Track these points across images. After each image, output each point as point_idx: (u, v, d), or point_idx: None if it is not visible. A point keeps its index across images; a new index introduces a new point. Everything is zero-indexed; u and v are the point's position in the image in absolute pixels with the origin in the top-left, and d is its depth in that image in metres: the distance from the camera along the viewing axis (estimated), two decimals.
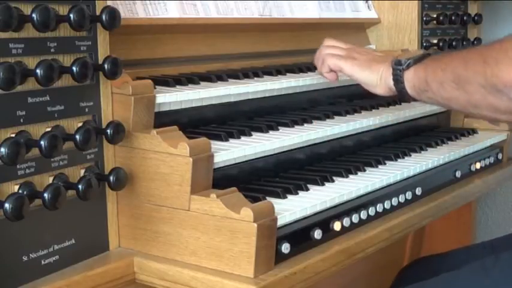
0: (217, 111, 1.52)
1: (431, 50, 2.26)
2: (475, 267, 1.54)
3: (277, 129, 1.52)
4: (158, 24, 1.56)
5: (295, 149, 1.53)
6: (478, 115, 1.40)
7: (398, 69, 1.48)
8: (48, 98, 1.15)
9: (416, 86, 1.46)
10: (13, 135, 1.09)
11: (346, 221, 1.37)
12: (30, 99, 1.12)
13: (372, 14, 2.22)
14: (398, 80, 1.48)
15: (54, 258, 1.18)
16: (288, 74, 1.71)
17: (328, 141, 1.63)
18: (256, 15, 1.83)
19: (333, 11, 2.08)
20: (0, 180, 1.09)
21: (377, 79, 1.55)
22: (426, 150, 1.82)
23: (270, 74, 1.68)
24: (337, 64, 1.62)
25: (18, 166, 1.10)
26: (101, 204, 1.26)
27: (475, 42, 2.42)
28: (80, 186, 1.15)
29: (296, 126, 1.56)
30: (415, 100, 1.52)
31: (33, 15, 1.08)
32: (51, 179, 1.16)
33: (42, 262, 1.16)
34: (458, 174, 1.79)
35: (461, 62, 1.35)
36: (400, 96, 1.54)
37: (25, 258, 1.13)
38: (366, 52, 1.65)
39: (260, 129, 1.49)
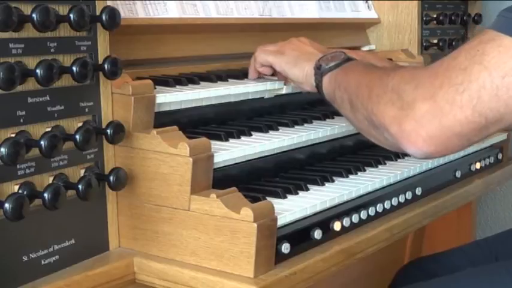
0: (217, 111, 1.52)
1: (432, 50, 2.26)
2: (474, 271, 1.54)
3: (277, 129, 1.52)
4: (158, 24, 1.56)
5: (295, 149, 1.53)
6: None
7: (318, 74, 1.44)
8: (48, 98, 1.15)
9: (328, 94, 1.43)
10: (13, 135, 1.09)
11: (346, 221, 1.37)
12: (30, 99, 1.12)
13: (371, 14, 2.22)
14: (318, 84, 1.45)
15: (54, 258, 1.18)
16: None
17: (328, 141, 1.63)
18: (256, 15, 1.82)
19: (333, 11, 2.08)
20: (0, 180, 1.08)
21: (303, 77, 1.51)
22: None
23: None
24: (267, 59, 1.58)
25: (18, 166, 1.10)
26: (101, 204, 1.26)
27: None
28: (80, 186, 1.15)
29: (296, 126, 1.56)
30: None
31: (33, 15, 1.07)
32: (51, 179, 1.16)
33: (42, 262, 1.16)
34: (458, 174, 1.79)
35: (356, 86, 1.31)
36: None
37: (25, 258, 1.13)
38: (297, 47, 1.59)
39: (260, 129, 1.49)
